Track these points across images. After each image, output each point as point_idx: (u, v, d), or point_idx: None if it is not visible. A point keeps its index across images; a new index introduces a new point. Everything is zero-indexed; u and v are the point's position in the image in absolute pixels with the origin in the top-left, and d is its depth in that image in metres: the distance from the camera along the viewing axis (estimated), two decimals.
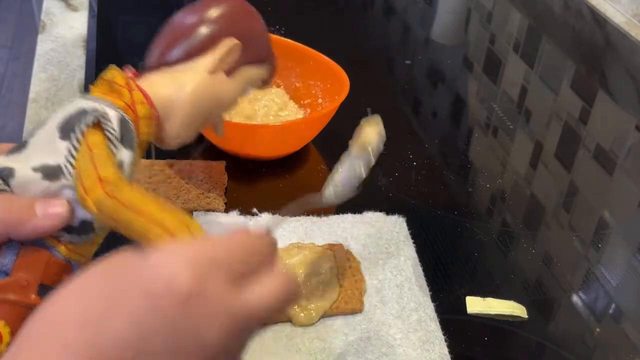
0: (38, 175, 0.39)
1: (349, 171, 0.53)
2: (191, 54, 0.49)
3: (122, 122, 0.42)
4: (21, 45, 2.50)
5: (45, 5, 1.00)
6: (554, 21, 1.07)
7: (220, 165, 0.69)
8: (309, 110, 0.76)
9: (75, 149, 0.40)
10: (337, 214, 0.65)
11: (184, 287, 0.31)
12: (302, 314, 0.53)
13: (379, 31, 1.10)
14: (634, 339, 0.57)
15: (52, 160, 0.40)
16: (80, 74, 0.84)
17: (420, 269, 0.60)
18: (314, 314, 0.53)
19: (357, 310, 0.55)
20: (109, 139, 0.41)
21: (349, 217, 0.64)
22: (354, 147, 0.54)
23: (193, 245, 0.34)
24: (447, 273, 0.60)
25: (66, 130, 0.40)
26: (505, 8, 1.13)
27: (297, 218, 0.64)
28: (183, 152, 0.71)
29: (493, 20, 1.12)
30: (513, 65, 0.98)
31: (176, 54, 0.49)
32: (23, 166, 0.40)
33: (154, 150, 0.72)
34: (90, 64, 0.86)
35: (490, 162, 0.78)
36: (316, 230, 0.62)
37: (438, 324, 0.55)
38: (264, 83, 0.56)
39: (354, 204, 0.66)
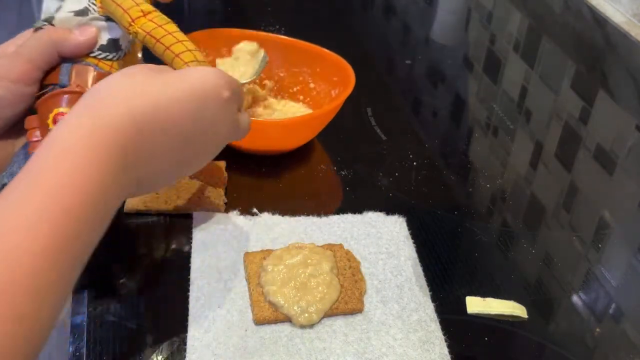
0: (71, 14, 0.52)
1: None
2: None
3: None
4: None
5: (45, 5, 1.00)
6: (554, 21, 1.07)
7: (221, 164, 0.69)
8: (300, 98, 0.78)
9: None
10: (337, 214, 0.65)
11: (225, 97, 0.48)
12: (302, 315, 0.53)
13: (379, 31, 1.10)
14: (634, 339, 0.57)
15: (81, 5, 0.52)
16: None
17: (420, 269, 0.59)
18: (314, 315, 0.53)
19: (357, 310, 0.55)
20: None
21: (349, 217, 0.64)
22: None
23: (223, 72, 0.50)
24: (447, 273, 0.60)
25: None
26: (505, 8, 1.13)
27: (297, 218, 0.64)
28: None
29: (493, 20, 1.12)
30: (513, 65, 0.98)
31: None
32: (62, 10, 0.52)
33: None
34: None
35: (490, 162, 0.78)
36: (316, 230, 0.62)
37: (438, 324, 0.55)
38: None
39: (354, 204, 0.66)
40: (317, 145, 0.75)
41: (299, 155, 0.73)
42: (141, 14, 0.50)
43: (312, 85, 0.78)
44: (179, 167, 0.49)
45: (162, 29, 0.50)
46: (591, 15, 0.97)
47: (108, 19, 0.52)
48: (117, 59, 0.54)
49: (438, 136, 0.82)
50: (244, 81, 0.70)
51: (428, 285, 0.58)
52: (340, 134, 0.77)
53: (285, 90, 0.80)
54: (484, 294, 0.58)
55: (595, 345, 0.56)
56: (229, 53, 0.77)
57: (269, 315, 0.53)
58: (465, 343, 0.54)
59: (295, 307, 0.53)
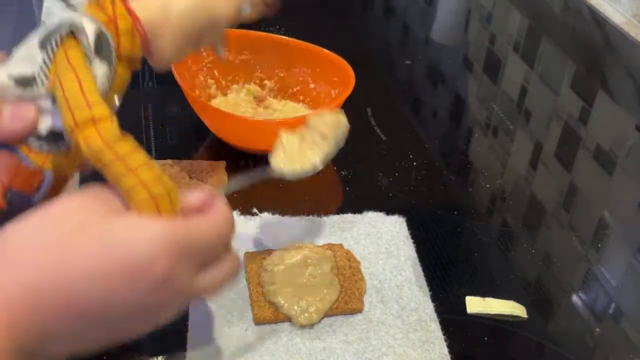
0: (12, 83, 0.40)
1: (298, 149, 0.54)
2: None
3: (99, 35, 0.42)
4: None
5: (45, 5, 1.00)
6: (554, 21, 1.07)
7: (221, 165, 0.69)
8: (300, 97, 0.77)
9: (50, 59, 0.41)
10: (337, 214, 0.65)
11: (159, 275, 0.35)
12: (302, 315, 0.53)
13: (379, 31, 1.10)
14: (634, 339, 0.57)
15: (28, 68, 0.41)
16: None
17: (420, 269, 0.60)
18: (314, 315, 0.53)
19: (357, 310, 0.55)
20: (84, 52, 0.41)
21: (348, 217, 0.64)
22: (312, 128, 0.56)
23: (172, 227, 0.37)
24: (447, 273, 0.60)
25: (44, 40, 0.41)
26: (505, 8, 1.13)
27: (297, 218, 0.64)
28: (184, 151, 0.71)
29: (493, 20, 1.12)
30: (513, 65, 0.98)
31: None
32: (1, 73, 0.41)
33: (154, 151, 0.72)
34: None
35: (490, 162, 0.78)
36: (316, 230, 0.62)
37: (438, 324, 0.55)
38: (256, 7, 0.54)
39: (354, 204, 0.66)
40: None
41: None
42: (90, 119, 0.38)
43: (312, 85, 0.78)
44: (99, 343, 0.38)
45: (111, 152, 0.38)
46: (591, 16, 0.97)
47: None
48: (56, 152, 0.42)
49: (438, 136, 0.82)
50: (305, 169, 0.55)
51: (428, 285, 0.58)
52: None
53: (285, 90, 0.80)
54: (484, 294, 0.58)
55: (595, 345, 0.56)
56: (231, 53, 0.76)
57: (269, 315, 0.53)
58: (465, 343, 0.54)
59: (295, 307, 0.53)
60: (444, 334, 0.54)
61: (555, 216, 0.71)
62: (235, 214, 0.63)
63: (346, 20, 1.11)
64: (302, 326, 0.53)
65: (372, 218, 0.64)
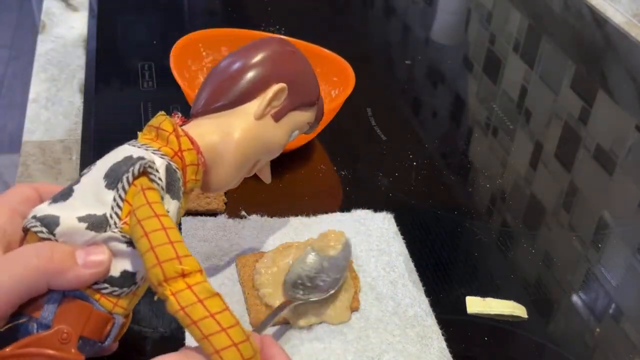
0: (83, 225, 0.39)
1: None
2: (238, 100, 0.48)
3: (169, 171, 0.42)
4: (21, 45, 2.50)
5: (45, 5, 1.00)
6: (554, 21, 1.07)
7: None
8: None
9: (122, 199, 0.39)
10: (326, 212, 0.64)
11: None
12: (300, 317, 0.53)
13: (379, 31, 1.10)
14: (634, 339, 0.57)
15: (98, 210, 0.39)
16: (80, 74, 0.84)
17: (412, 265, 0.60)
18: (312, 317, 0.53)
19: (353, 308, 0.55)
20: (159, 192, 0.40)
21: (337, 216, 0.64)
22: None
23: None
24: (447, 273, 0.60)
25: (113, 178, 0.40)
26: (505, 8, 1.13)
27: (286, 219, 0.63)
28: None
29: (493, 20, 1.12)
30: (513, 65, 0.98)
31: (223, 100, 0.48)
32: (69, 215, 0.39)
33: None
34: (90, 64, 0.86)
35: (490, 162, 0.78)
36: (305, 230, 0.62)
37: (434, 318, 0.55)
38: (311, 127, 0.55)
39: (354, 204, 0.66)
40: (317, 145, 0.75)
41: (299, 155, 0.73)
42: (180, 274, 0.37)
43: None
44: None
45: (204, 308, 0.37)
46: (591, 15, 0.97)
47: (131, 241, 0.39)
48: (126, 295, 0.41)
49: (438, 136, 0.82)
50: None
51: (421, 280, 0.58)
52: (340, 134, 0.77)
53: None
54: (483, 294, 0.58)
55: (595, 345, 0.56)
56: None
57: (269, 319, 0.52)
58: (465, 343, 0.54)
59: (291, 309, 0.53)
60: (443, 334, 0.54)
61: (555, 216, 0.71)
62: (224, 217, 0.63)
63: (346, 20, 1.11)
64: (300, 327, 0.53)
65: (361, 215, 0.64)
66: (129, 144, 0.43)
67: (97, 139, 0.72)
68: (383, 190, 0.70)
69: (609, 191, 0.75)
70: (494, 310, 0.57)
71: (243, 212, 0.63)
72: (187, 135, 0.44)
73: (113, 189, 0.39)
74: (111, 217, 0.39)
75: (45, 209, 0.40)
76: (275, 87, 0.49)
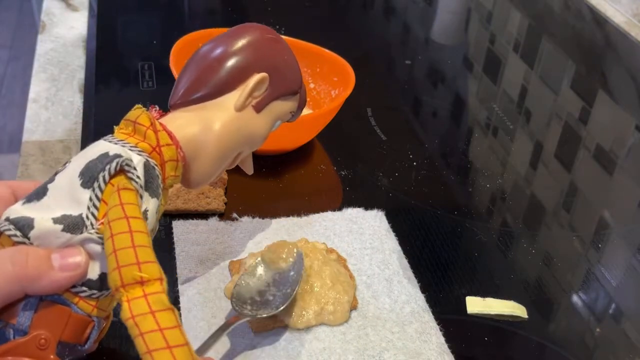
0: (59, 227, 0.37)
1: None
2: (218, 91, 0.47)
3: (147, 168, 0.40)
4: (21, 45, 2.50)
5: (45, 5, 1.00)
6: (554, 21, 1.07)
7: None
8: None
9: (98, 198, 0.38)
10: (317, 212, 0.64)
11: None
12: (299, 319, 0.52)
13: (379, 31, 1.10)
14: (634, 339, 0.57)
15: (74, 210, 0.38)
16: (80, 74, 0.84)
17: (405, 262, 0.60)
18: (311, 319, 0.53)
19: (352, 307, 0.55)
20: (136, 191, 0.39)
21: (329, 215, 0.64)
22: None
23: None
24: (447, 273, 0.60)
25: (88, 177, 0.38)
26: (505, 8, 1.13)
27: (278, 219, 0.63)
28: None
29: (493, 20, 1.12)
30: (513, 65, 0.98)
31: (202, 91, 0.46)
32: (43, 216, 0.37)
33: None
34: (90, 64, 0.86)
35: (490, 162, 0.78)
36: (298, 230, 0.62)
37: (431, 314, 0.55)
38: (294, 117, 0.53)
39: (354, 204, 0.66)
40: (317, 145, 0.75)
41: (299, 155, 0.73)
42: (138, 281, 0.35)
43: (312, 85, 0.78)
44: None
45: (154, 321, 0.35)
46: (591, 15, 0.97)
47: None
48: (105, 297, 0.40)
49: (438, 136, 0.82)
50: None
51: (419, 279, 0.58)
52: (340, 134, 0.77)
53: None
54: (483, 294, 0.58)
55: (595, 345, 0.56)
56: None
57: (267, 323, 0.52)
58: (465, 343, 0.54)
59: (290, 313, 0.53)
60: (441, 329, 0.54)
61: (555, 216, 0.71)
62: (215, 219, 0.62)
63: (346, 20, 1.11)
64: (299, 329, 0.53)
65: (352, 214, 0.64)
66: (104, 140, 0.41)
67: (97, 139, 0.71)
68: (383, 190, 0.70)
69: (609, 191, 0.75)
70: (494, 310, 0.57)
71: (234, 215, 0.63)
72: (165, 129, 0.43)
73: (89, 188, 0.38)
74: (87, 217, 0.37)
75: (19, 210, 0.38)
76: (256, 77, 0.47)
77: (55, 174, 0.40)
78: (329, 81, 0.76)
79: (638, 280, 0.63)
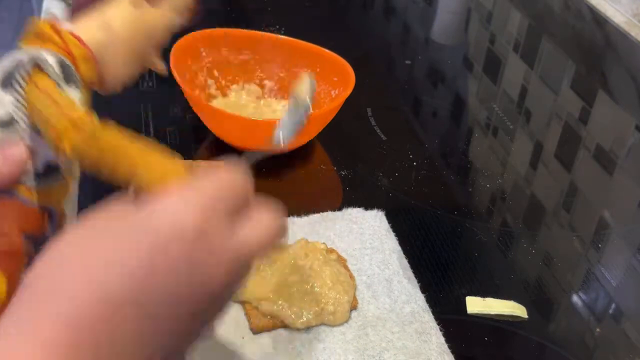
0: None
1: (290, 118, 0.55)
2: None
3: (62, 65, 0.41)
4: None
5: (45, 5, 1.00)
6: (554, 21, 1.07)
7: (220, 165, 0.69)
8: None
9: (21, 95, 0.39)
10: (317, 212, 0.64)
11: (189, 229, 0.32)
12: (299, 319, 0.52)
13: (379, 31, 1.10)
14: (634, 339, 0.57)
15: (1, 112, 0.39)
16: None
17: (405, 262, 0.60)
18: (312, 320, 0.53)
19: (352, 307, 0.55)
20: (54, 82, 0.40)
21: (329, 215, 0.64)
22: (292, 100, 0.57)
23: (187, 188, 0.34)
24: (447, 273, 0.60)
25: (7, 81, 0.40)
26: (505, 8, 1.13)
27: None
28: (184, 151, 0.71)
29: (493, 20, 1.12)
30: (513, 65, 0.98)
31: None
32: None
33: None
34: None
35: (490, 162, 0.78)
36: (298, 230, 0.62)
37: (431, 314, 0.55)
38: (190, 11, 0.54)
39: (354, 204, 0.66)
40: (317, 145, 0.75)
41: (299, 155, 0.73)
42: (70, 124, 0.37)
43: (282, 75, 0.78)
44: (171, 346, 0.34)
45: (102, 140, 0.37)
46: (591, 15, 0.97)
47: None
48: (54, 187, 0.41)
49: (438, 136, 0.82)
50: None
51: (419, 279, 0.58)
52: (340, 134, 0.77)
53: (285, 90, 0.80)
54: (483, 294, 0.58)
55: (595, 345, 0.56)
56: (231, 53, 0.76)
57: (267, 322, 0.52)
58: (465, 343, 0.54)
59: (290, 314, 0.53)
60: (441, 329, 0.54)
61: (555, 216, 0.71)
62: None
63: (346, 20, 1.11)
64: (300, 329, 0.53)
65: (352, 214, 0.64)
66: (14, 51, 0.42)
67: None
68: (383, 190, 0.70)
69: (609, 191, 0.75)
70: (494, 310, 0.57)
71: None
72: (69, 31, 0.43)
73: (9, 90, 0.39)
74: (15, 113, 0.39)
75: None
76: None
77: None
78: (329, 81, 0.76)
79: (638, 280, 0.63)
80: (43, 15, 0.99)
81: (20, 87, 0.39)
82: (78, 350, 0.30)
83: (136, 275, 0.31)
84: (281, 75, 0.79)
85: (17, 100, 0.39)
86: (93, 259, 0.32)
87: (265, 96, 0.79)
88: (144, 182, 0.36)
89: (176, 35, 0.73)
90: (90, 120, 0.38)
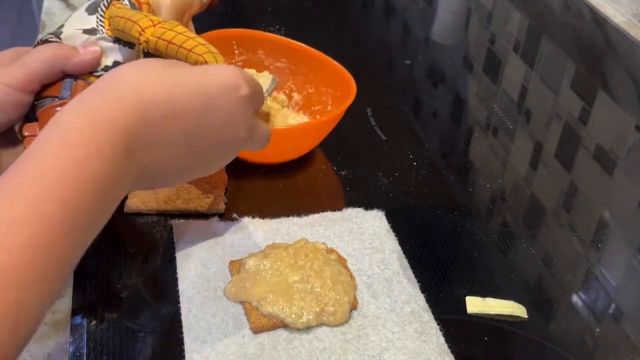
0: (80, 31, 0.54)
1: None
2: None
3: (131, 4, 0.55)
4: (21, 45, 2.49)
5: (45, 5, 1.00)
6: (554, 21, 1.07)
7: None
8: (317, 117, 0.75)
9: (103, 17, 0.54)
10: (317, 212, 0.64)
11: (245, 93, 0.48)
12: (299, 319, 0.52)
13: (379, 31, 1.10)
14: (634, 339, 0.57)
15: (87, 25, 0.54)
16: None
17: (405, 262, 0.60)
18: (312, 320, 0.53)
19: (352, 307, 0.55)
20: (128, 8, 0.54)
21: (329, 215, 0.64)
22: None
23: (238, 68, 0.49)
24: (447, 273, 0.60)
25: (92, 9, 0.55)
26: (505, 8, 1.13)
27: (278, 219, 0.63)
28: None
29: (493, 20, 1.12)
30: (513, 65, 0.98)
31: None
32: (68, 28, 0.54)
33: None
34: None
35: (490, 162, 0.78)
36: (298, 230, 0.62)
37: (431, 314, 0.55)
38: None
39: (354, 204, 0.66)
40: (317, 145, 0.75)
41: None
42: (150, 23, 0.51)
43: (310, 90, 0.77)
44: (183, 166, 0.48)
45: (172, 32, 0.51)
46: (591, 15, 0.97)
47: (116, 40, 0.54)
48: None
49: (438, 136, 0.82)
50: None
51: (419, 279, 0.58)
52: (340, 133, 0.77)
53: (307, 107, 0.77)
54: (483, 294, 0.58)
55: (595, 345, 0.56)
56: (230, 53, 0.76)
57: (266, 322, 0.52)
58: (465, 343, 0.54)
59: (290, 313, 0.52)
60: (441, 329, 0.54)
61: (555, 216, 0.71)
62: (215, 220, 0.62)
63: (346, 20, 1.11)
64: (300, 329, 0.53)
65: (352, 214, 0.64)
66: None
67: None
68: (383, 190, 0.70)
69: (609, 191, 0.75)
70: (494, 310, 0.57)
71: (234, 215, 0.63)
72: None
73: (94, 14, 0.54)
74: (98, 26, 0.54)
75: (55, 26, 0.55)
76: None
77: (61, 27, 0.55)
78: (329, 89, 0.75)
79: (638, 280, 0.63)
80: (43, 15, 0.99)
81: (102, 12, 0.54)
82: (113, 137, 0.41)
83: (194, 102, 0.46)
84: (310, 91, 0.77)
85: (99, 20, 0.54)
86: (165, 78, 0.45)
87: (290, 107, 0.77)
88: (204, 55, 0.50)
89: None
90: (165, 22, 0.52)
